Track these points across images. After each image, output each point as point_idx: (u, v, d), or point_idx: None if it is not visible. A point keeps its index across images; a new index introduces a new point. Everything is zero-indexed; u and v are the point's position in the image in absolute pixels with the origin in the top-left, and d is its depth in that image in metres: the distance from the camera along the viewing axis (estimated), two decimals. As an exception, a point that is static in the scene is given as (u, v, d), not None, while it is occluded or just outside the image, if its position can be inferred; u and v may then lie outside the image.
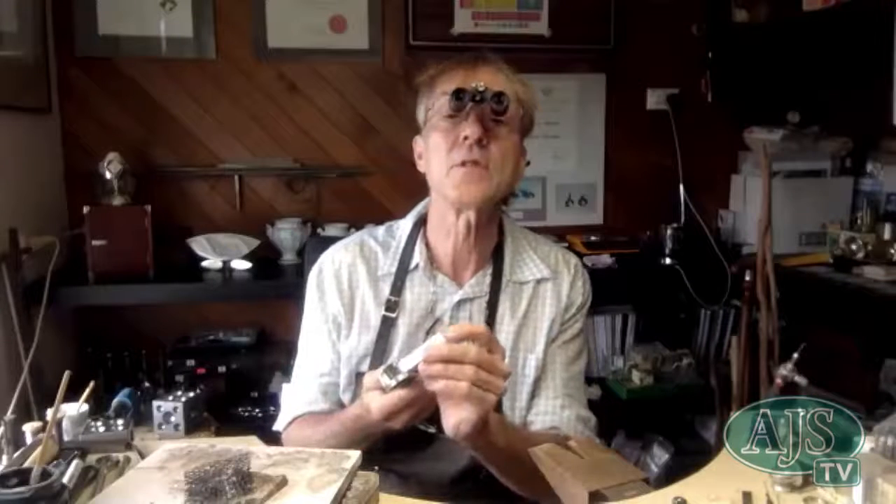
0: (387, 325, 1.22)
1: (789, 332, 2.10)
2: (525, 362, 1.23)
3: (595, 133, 2.69)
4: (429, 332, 1.20)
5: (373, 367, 1.18)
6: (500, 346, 0.99)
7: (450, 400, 0.95)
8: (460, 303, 1.23)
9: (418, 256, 1.24)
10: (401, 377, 0.95)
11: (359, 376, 1.21)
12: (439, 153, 1.17)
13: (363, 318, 1.25)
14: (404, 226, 1.30)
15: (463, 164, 1.14)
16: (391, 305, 1.22)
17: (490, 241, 1.26)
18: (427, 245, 1.26)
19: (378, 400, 0.97)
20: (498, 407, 1.19)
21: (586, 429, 1.24)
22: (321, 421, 1.18)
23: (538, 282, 1.26)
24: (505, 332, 1.23)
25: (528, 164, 1.27)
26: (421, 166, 1.25)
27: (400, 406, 0.97)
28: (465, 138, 1.13)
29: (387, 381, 0.95)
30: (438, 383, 0.93)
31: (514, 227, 1.31)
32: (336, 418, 1.14)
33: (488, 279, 1.24)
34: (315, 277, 1.29)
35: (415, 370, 0.94)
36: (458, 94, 1.13)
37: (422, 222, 1.28)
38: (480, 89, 1.12)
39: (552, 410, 1.22)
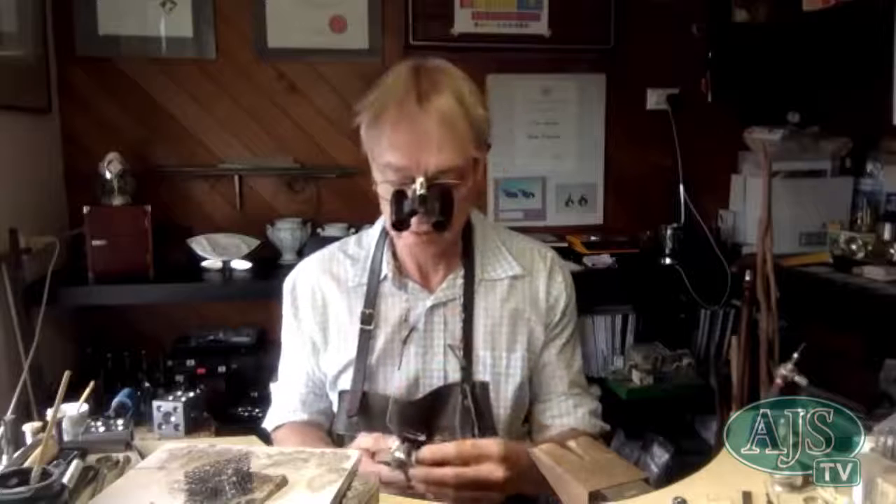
0: (365, 338, 1.22)
1: (789, 332, 2.10)
2: (509, 361, 1.23)
3: (595, 133, 2.69)
4: (405, 342, 1.21)
5: (354, 379, 1.20)
6: (484, 451, 1.05)
7: None
8: (433, 308, 1.22)
9: (386, 267, 1.24)
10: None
11: (342, 394, 1.23)
12: (387, 207, 1.14)
13: (340, 333, 1.25)
14: (372, 235, 1.29)
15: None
16: (367, 318, 1.22)
17: (457, 246, 1.25)
18: (394, 254, 1.25)
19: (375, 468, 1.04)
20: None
21: (598, 421, 1.28)
22: (305, 441, 1.19)
23: (513, 279, 1.25)
24: (482, 330, 1.22)
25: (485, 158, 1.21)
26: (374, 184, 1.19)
27: (392, 480, 1.04)
28: None
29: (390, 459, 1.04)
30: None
31: (484, 225, 1.29)
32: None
33: (460, 281, 1.23)
34: (290, 293, 1.29)
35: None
36: (398, 216, 1.10)
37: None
38: (420, 201, 1.07)
39: (566, 412, 1.25)
